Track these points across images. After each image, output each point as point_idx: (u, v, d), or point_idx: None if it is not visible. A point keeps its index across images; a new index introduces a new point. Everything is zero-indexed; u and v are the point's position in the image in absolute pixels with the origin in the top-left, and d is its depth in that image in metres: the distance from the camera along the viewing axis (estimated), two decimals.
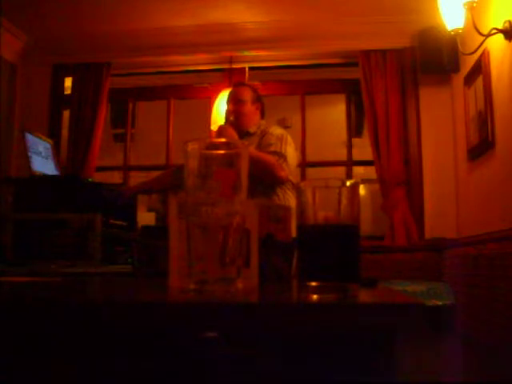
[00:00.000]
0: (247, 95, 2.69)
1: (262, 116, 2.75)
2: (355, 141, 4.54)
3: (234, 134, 2.51)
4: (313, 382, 0.57)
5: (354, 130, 6.23)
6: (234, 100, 2.69)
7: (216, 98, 3.82)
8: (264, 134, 2.59)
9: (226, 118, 2.68)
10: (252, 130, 2.65)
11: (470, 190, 3.37)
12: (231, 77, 3.96)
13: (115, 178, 5.06)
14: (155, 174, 3.12)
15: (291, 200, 2.49)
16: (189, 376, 0.58)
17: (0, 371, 0.59)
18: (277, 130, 2.62)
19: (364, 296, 0.70)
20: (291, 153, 2.53)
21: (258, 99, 2.74)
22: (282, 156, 2.47)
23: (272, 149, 2.48)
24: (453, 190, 3.61)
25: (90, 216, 2.45)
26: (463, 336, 3.06)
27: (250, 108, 2.67)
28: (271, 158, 2.45)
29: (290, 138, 2.57)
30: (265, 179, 2.43)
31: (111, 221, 2.66)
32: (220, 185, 0.69)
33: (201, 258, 0.70)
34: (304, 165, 3.98)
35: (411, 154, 3.71)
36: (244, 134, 2.62)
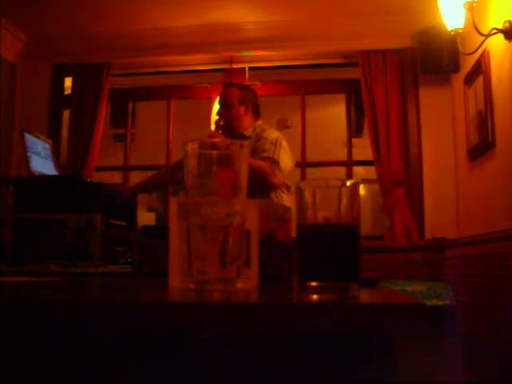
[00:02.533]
0: (233, 97, 2.60)
1: (257, 115, 2.67)
2: (355, 141, 4.55)
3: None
4: (313, 382, 0.57)
5: (354, 130, 6.25)
6: (221, 103, 2.64)
7: (216, 98, 3.82)
8: (259, 138, 2.53)
9: (217, 123, 2.61)
10: (247, 133, 2.58)
11: (470, 190, 3.38)
12: (231, 77, 3.96)
13: (115, 178, 5.07)
14: None
15: (286, 203, 2.47)
16: (188, 376, 0.58)
17: (0, 371, 0.59)
18: (272, 134, 2.55)
19: (364, 296, 0.70)
20: (285, 157, 2.49)
21: (246, 99, 2.62)
22: (274, 162, 2.43)
23: (265, 154, 2.44)
24: (453, 190, 3.61)
25: (90, 216, 2.45)
26: (463, 336, 3.06)
27: (237, 110, 2.59)
28: (263, 164, 2.40)
29: (284, 142, 2.52)
30: (257, 185, 2.37)
31: (111, 221, 2.66)
32: (220, 185, 0.69)
33: (201, 257, 0.70)
34: (304, 165, 3.98)
35: (411, 154, 3.72)
36: (240, 137, 2.53)
